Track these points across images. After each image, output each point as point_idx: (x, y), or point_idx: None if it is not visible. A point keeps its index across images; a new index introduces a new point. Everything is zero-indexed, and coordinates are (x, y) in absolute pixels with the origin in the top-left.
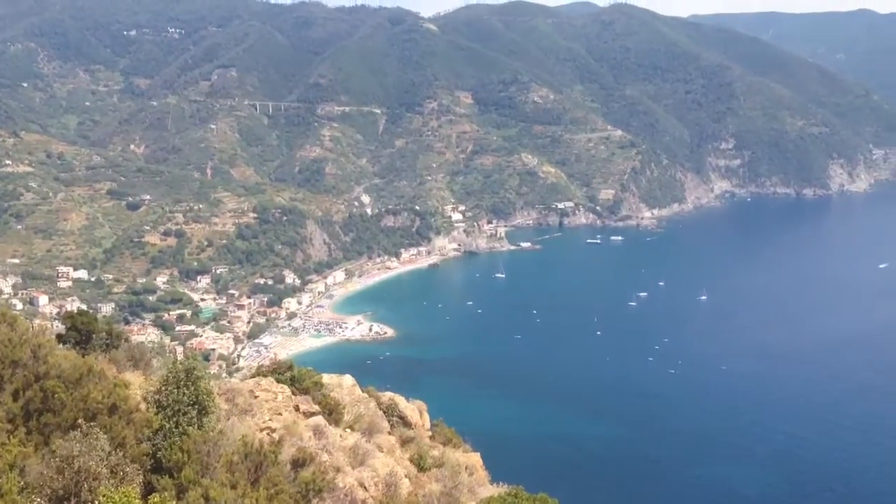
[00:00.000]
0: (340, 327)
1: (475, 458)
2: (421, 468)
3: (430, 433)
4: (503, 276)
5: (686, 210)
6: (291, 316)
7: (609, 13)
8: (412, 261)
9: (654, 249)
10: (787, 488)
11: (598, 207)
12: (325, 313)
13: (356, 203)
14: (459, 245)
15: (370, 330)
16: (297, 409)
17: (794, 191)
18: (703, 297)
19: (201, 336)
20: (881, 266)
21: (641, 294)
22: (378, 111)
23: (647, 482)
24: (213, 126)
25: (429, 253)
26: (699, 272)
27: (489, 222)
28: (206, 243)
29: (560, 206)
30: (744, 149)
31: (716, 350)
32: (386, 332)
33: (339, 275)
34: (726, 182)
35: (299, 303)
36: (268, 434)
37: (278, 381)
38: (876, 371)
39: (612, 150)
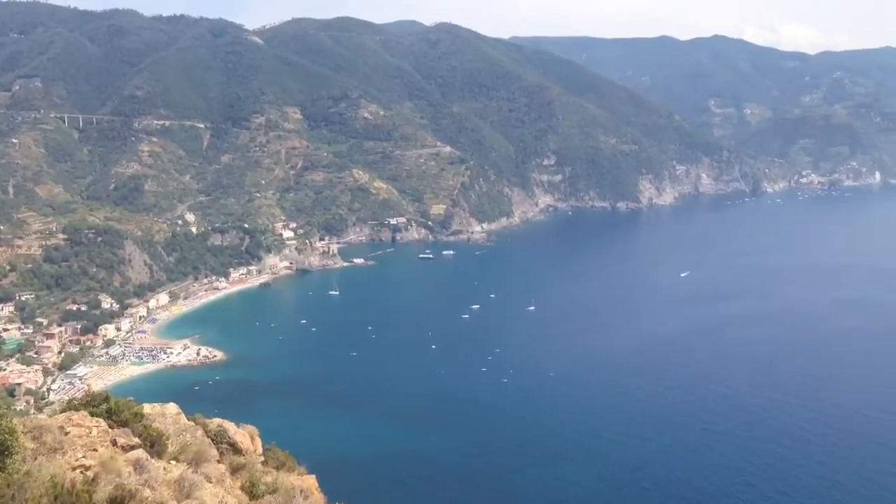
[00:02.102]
0: (165, 353)
1: (310, 482)
2: (253, 496)
3: (262, 459)
4: (337, 293)
5: (514, 224)
6: (109, 343)
7: (435, 32)
8: (242, 280)
9: (484, 263)
10: (609, 485)
11: (429, 222)
12: (148, 339)
13: (180, 222)
14: (291, 263)
15: (198, 354)
16: (114, 443)
17: (610, 204)
18: (532, 308)
19: (5, 370)
20: (682, 275)
21: (474, 307)
22: (201, 126)
23: (485, 490)
24: (14, 140)
25: (259, 272)
26: (527, 283)
27: (321, 239)
28: (7, 268)
29: (392, 221)
30: (564, 165)
31: (544, 357)
32: (215, 356)
33: (162, 297)
34: (549, 196)
35: (118, 329)
36: (81, 472)
37: (93, 414)
38: (683, 369)
39: (442, 165)
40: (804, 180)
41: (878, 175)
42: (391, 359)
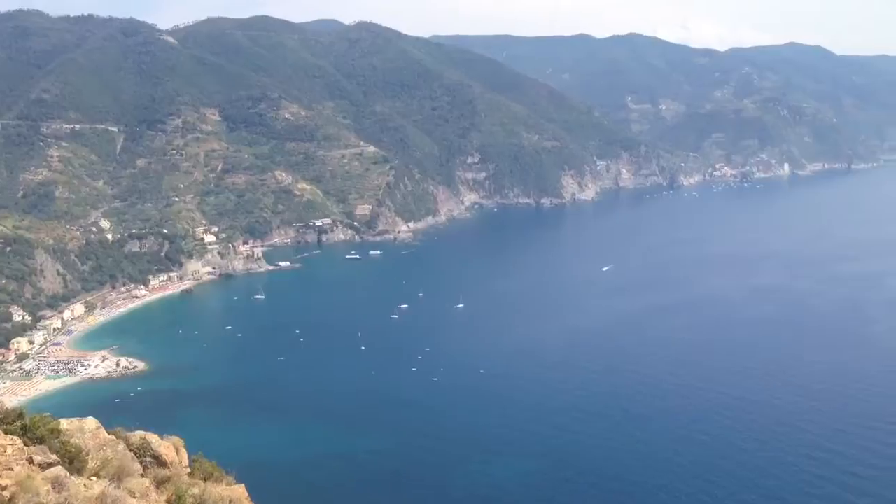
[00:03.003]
0: (82, 365)
1: (240, 491)
2: None
3: (188, 470)
4: (263, 297)
5: (440, 222)
6: (22, 357)
7: (355, 31)
8: (163, 288)
9: (412, 262)
10: (539, 478)
11: (355, 223)
12: (64, 351)
13: (94, 229)
14: (214, 268)
15: (118, 365)
16: (30, 461)
17: (534, 201)
18: (461, 305)
19: None
20: (604, 269)
21: (403, 306)
22: (114, 129)
23: (418, 490)
24: None
25: (181, 278)
26: (455, 281)
27: (245, 243)
28: None
29: (318, 223)
30: (488, 162)
31: (473, 354)
32: (136, 366)
33: (77, 308)
34: (475, 194)
35: (31, 342)
36: None
37: (6, 432)
38: (606, 360)
39: (367, 165)
40: (718, 173)
41: (786, 167)
42: (320, 361)
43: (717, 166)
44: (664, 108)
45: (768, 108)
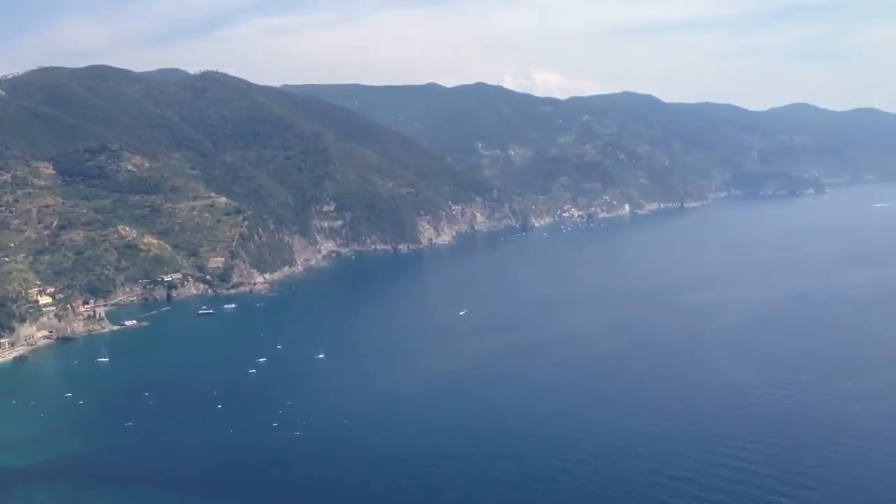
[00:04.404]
0: None
1: None
2: None
3: None
4: (107, 360)
5: (297, 272)
6: None
7: (201, 80)
8: None
9: (269, 314)
10: None
11: (208, 277)
12: None
13: None
14: (51, 331)
15: None
16: None
17: (392, 247)
18: (321, 356)
19: None
20: (461, 313)
21: (260, 360)
22: None
23: None
24: None
25: (13, 344)
26: (315, 331)
27: (86, 303)
28: None
29: (167, 278)
30: (344, 210)
31: (336, 405)
32: None
33: None
34: (332, 242)
35: None
36: None
37: None
38: (464, 403)
39: (218, 217)
40: (566, 214)
41: (626, 207)
42: (173, 424)
43: (566, 208)
44: (513, 153)
45: (608, 153)
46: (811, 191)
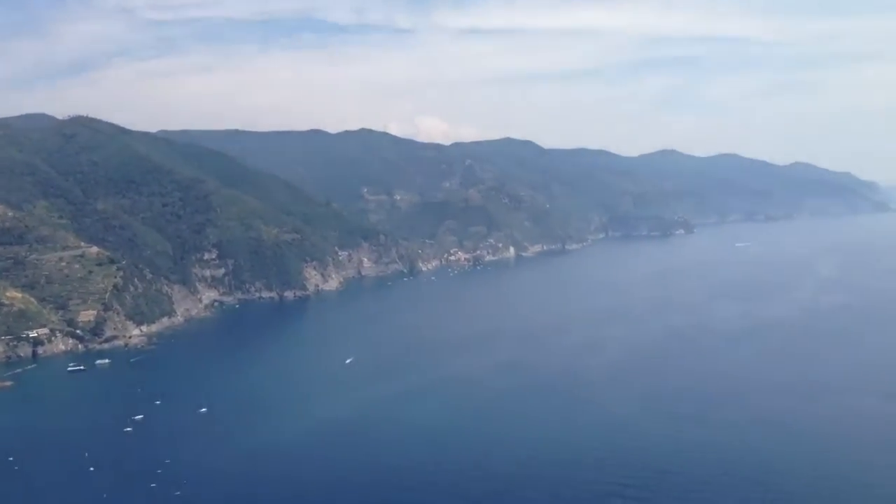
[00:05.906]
0: None
1: None
2: None
3: None
4: None
5: (177, 323)
6: None
7: (70, 126)
8: None
9: (146, 368)
10: None
11: (78, 331)
12: None
13: None
14: None
15: None
16: None
17: (277, 294)
18: (203, 409)
19: None
20: (347, 361)
21: (137, 417)
22: None
23: None
24: None
25: None
26: (196, 384)
27: None
28: None
29: (32, 334)
30: (227, 258)
31: (220, 460)
32: None
33: None
34: (214, 291)
35: None
36: None
37: None
38: (353, 451)
39: (90, 267)
40: (453, 258)
41: (511, 249)
42: (39, 493)
43: (452, 251)
44: (399, 198)
45: (491, 197)
46: (681, 231)
